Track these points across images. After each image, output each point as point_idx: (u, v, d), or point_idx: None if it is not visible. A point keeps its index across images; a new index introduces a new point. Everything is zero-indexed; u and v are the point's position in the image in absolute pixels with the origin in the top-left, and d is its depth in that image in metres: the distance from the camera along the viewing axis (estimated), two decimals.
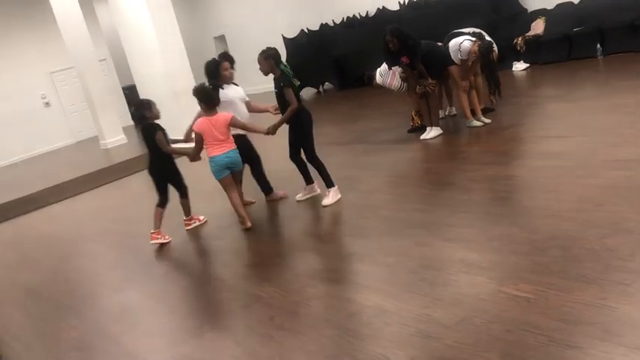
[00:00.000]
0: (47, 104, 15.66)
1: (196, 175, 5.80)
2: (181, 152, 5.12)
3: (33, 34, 15.08)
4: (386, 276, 3.42)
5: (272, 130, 4.98)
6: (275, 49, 4.98)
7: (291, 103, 4.85)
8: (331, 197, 5.03)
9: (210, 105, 4.78)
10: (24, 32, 15.01)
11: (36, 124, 15.29)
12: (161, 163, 5.08)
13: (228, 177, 4.91)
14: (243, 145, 5.19)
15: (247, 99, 5.40)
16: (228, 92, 5.15)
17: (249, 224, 4.87)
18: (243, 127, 4.96)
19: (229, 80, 5.22)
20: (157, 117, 5.04)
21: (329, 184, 5.09)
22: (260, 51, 4.97)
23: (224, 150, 4.79)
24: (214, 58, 5.32)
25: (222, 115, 4.79)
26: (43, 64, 15.37)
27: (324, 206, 4.97)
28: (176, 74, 9.91)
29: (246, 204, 5.38)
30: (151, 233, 5.11)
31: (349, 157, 6.65)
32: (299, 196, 5.33)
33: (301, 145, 5.08)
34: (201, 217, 5.48)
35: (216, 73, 5.15)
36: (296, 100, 4.85)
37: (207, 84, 5.06)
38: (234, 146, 4.87)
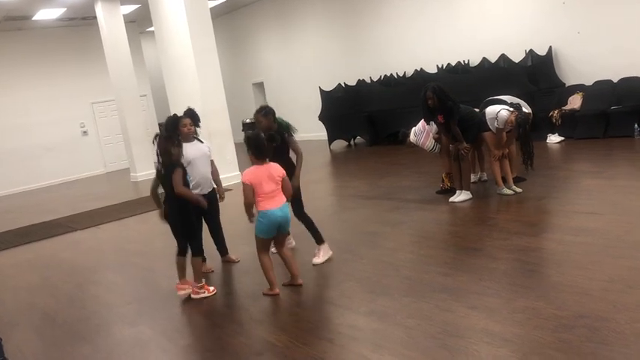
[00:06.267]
0: (85, 133, 16.16)
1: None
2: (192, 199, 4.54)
3: (81, 65, 15.76)
4: (405, 338, 3.33)
5: (296, 185, 4.75)
6: (270, 107, 4.94)
7: (297, 152, 4.88)
8: (322, 255, 4.97)
9: (259, 155, 4.26)
10: (73, 62, 15.70)
11: (73, 151, 15.82)
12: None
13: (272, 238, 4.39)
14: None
15: (212, 158, 5.26)
16: (188, 151, 4.85)
17: (277, 291, 4.39)
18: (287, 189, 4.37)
19: (188, 137, 4.99)
20: (178, 159, 4.50)
21: (319, 240, 4.98)
22: (259, 108, 4.87)
23: (279, 203, 4.28)
24: (175, 114, 5.14)
25: (276, 165, 4.34)
26: (87, 95, 15.97)
27: (314, 265, 4.88)
28: (213, 115, 10.11)
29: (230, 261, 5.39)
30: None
31: (374, 212, 6.61)
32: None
33: (301, 197, 4.93)
34: (211, 288, 4.72)
35: (175, 129, 4.93)
36: (300, 148, 4.88)
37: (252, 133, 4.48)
38: (285, 199, 4.35)
